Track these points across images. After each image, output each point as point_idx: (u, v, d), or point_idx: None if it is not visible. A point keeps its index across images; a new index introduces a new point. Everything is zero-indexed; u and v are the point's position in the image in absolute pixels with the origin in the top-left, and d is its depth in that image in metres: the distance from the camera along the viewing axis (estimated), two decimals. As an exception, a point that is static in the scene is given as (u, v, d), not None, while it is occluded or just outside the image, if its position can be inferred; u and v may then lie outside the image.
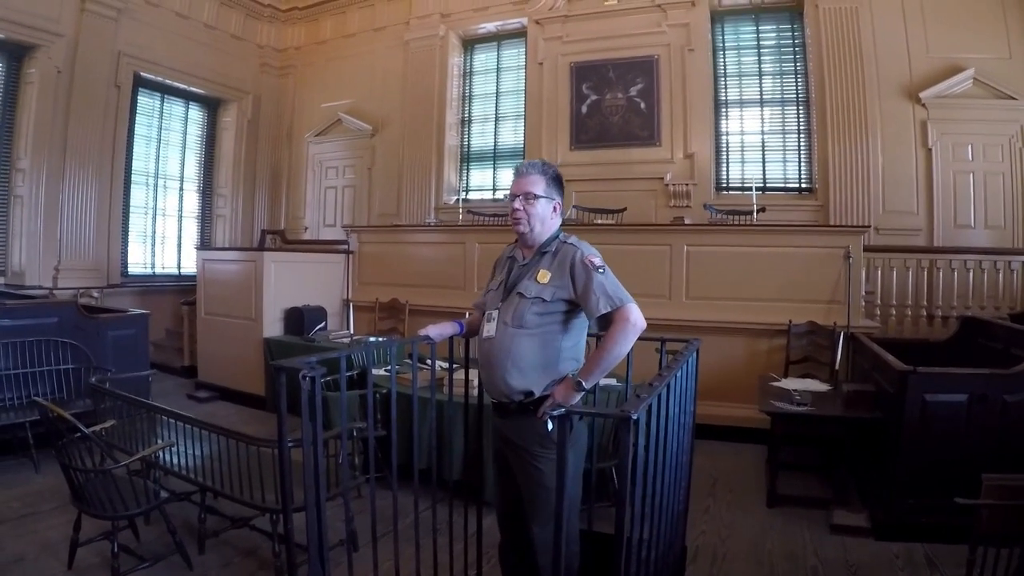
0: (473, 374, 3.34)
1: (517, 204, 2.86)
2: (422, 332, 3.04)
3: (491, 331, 2.86)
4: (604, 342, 2.66)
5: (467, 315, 3.35)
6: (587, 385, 2.66)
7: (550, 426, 2.68)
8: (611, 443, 4.59)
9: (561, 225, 3.00)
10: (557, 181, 2.94)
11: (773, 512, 4.92)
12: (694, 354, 3.17)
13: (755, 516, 4.86)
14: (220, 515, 4.27)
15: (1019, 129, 8.45)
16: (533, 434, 2.74)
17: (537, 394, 2.76)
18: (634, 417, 1.73)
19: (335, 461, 4.03)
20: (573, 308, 2.81)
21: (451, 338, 3.19)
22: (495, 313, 2.88)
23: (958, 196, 8.63)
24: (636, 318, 2.65)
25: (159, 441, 4.26)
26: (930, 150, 8.68)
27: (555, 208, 2.92)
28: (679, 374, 2.60)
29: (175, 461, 4.22)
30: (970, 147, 8.63)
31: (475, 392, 3.39)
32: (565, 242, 2.87)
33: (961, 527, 3.34)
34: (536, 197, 2.85)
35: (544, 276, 2.80)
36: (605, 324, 2.72)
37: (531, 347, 2.76)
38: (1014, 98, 8.38)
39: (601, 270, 2.70)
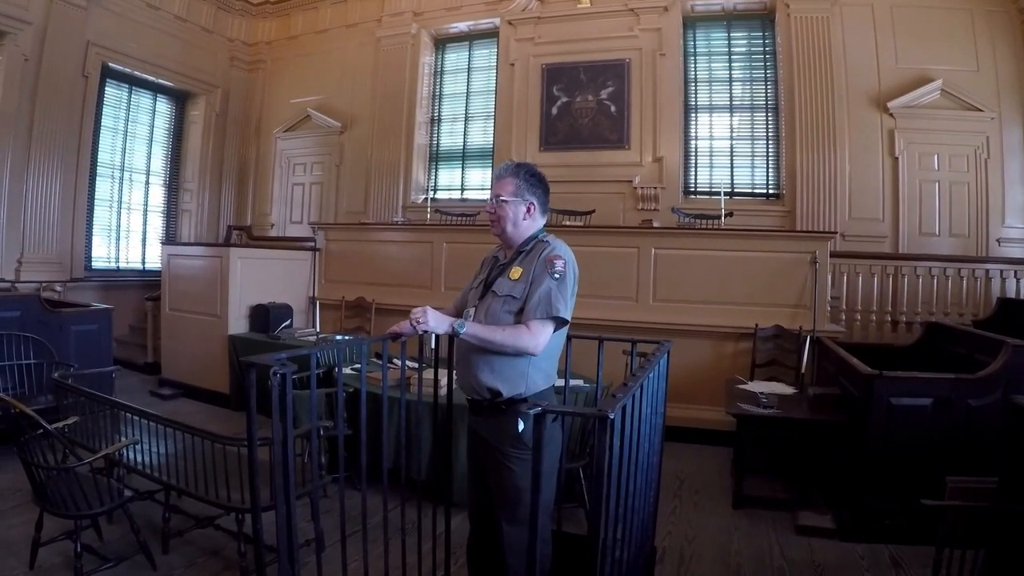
0: (441, 374, 3.33)
1: (489, 207, 2.89)
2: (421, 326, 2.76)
3: None
4: (505, 329, 2.67)
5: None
6: (461, 329, 2.64)
7: (520, 426, 2.69)
8: (578, 444, 4.60)
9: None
10: (532, 181, 2.90)
11: (739, 513, 4.96)
12: (666, 355, 3.18)
13: (721, 517, 4.90)
14: (184, 514, 4.21)
15: (984, 140, 8.61)
16: (505, 434, 2.74)
17: (504, 394, 2.75)
18: (611, 417, 1.73)
19: (302, 460, 4.01)
20: None
21: (420, 337, 3.16)
22: (472, 311, 2.88)
23: (923, 204, 8.78)
24: (538, 341, 2.66)
25: (123, 439, 4.19)
26: (897, 159, 8.81)
27: (529, 209, 2.89)
28: (652, 375, 2.60)
29: (139, 459, 4.16)
30: (936, 157, 8.77)
31: (443, 392, 3.38)
32: (541, 240, 2.87)
33: (925, 528, 3.40)
34: (505, 200, 2.85)
35: (516, 273, 2.80)
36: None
37: None
38: (980, 110, 8.55)
39: (557, 276, 2.70)
